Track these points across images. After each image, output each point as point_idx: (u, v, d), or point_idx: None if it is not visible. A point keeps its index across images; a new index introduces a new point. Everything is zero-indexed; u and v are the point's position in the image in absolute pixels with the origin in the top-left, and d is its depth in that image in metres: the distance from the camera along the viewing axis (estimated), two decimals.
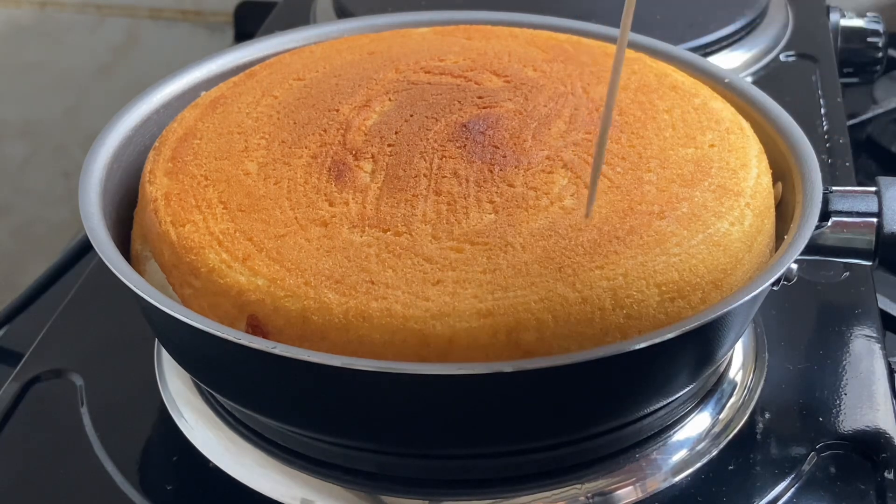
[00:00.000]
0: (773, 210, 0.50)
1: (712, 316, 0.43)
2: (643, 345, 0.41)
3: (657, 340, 0.41)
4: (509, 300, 0.43)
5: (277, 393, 0.45)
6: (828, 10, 0.88)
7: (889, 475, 0.49)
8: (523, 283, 0.43)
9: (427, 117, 0.51)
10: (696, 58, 0.60)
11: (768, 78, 0.80)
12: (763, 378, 0.54)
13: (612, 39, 0.60)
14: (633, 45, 0.59)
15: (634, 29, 0.61)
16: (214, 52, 0.60)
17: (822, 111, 0.76)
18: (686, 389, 0.49)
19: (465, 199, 0.47)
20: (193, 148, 0.52)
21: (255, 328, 0.44)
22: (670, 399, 0.49)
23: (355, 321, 0.43)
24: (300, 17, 0.88)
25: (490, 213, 0.46)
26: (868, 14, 0.87)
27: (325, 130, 0.51)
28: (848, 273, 0.60)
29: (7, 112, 1.22)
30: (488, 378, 0.41)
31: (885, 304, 0.63)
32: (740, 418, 0.52)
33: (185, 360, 0.49)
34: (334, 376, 0.42)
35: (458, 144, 0.49)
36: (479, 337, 0.42)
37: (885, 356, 0.55)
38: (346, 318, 0.43)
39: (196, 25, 1.15)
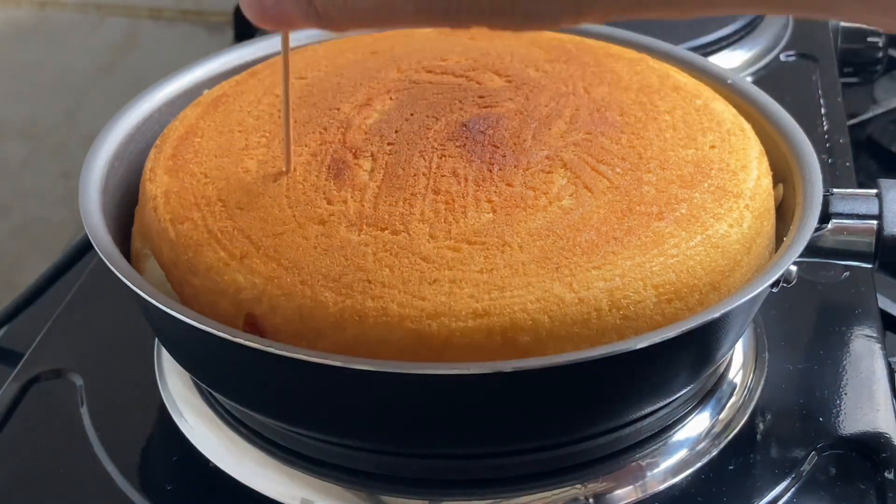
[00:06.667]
0: (772, 212, 0.50)
1: (709, 318, 0.43)
2: (639, 346, 0.41)
3: (653, 342, 0.41)
4: (505, 300, 0.43)
5: (274, 391, 0.45)
6: None
7: (889, 475, 0.49)
8: (520, 282, 0.43)
9: (427, 116, 0.51)
10: (698, 58, 0.60)
11: (768, 78, 0.80)
12: (763, 378, 0.54)
13: (614, 40, 0.60)
14: (636, 46, 0.59)
15: (634, 29, 0.61)
16: (214, 52, 0.60)
17: (823, 111, 0.76)
18: (685, 390, 0.49)
19: (463, 198, 0.47)
20: (194, 146, 0.52)
21: (252, 326, 0.44)
22: (669, 400, 0.49)
23: (351, 320, 0.43)
24: None
25: (488, 213, 0.46)
26: None
27: (325, 129, 0.51)
28: (848, 273, 0.60)
29: (7, 112, 1.22)
30: (485, 378, 0.41)
31: (885, 304, 0.63)
32: (740, 418, 0.52)
33: (184, 358, 0.49)
34: (330, 375, 0.42)
35: (457, 144, 0.49)
36: (474, 337, 0.42)
37: (886, 356, 0.55)
38: (341, 316, 0.43)
39: (196, 25, 1.15)
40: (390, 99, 0.53)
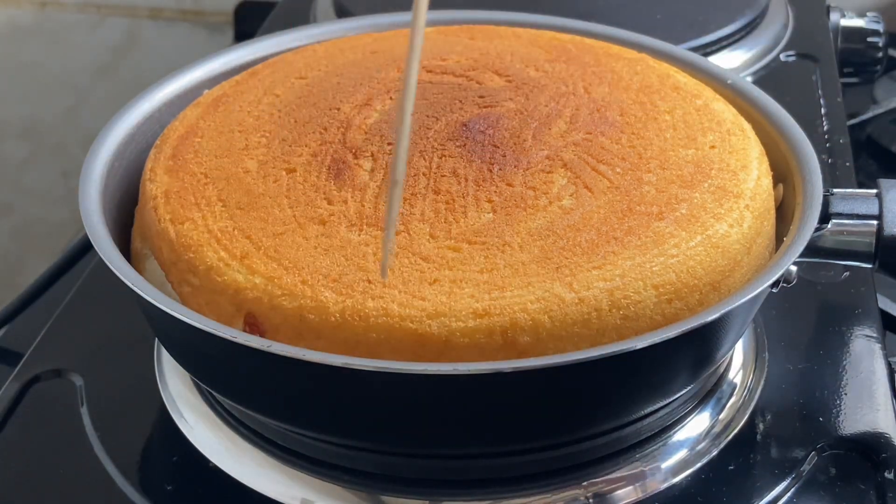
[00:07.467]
0: (772, 212, 0.50)
1: (709, 318, 0.43)
2: (639, 346, 0.41)
3: (653, 342, 0.41)
4: (506, 300, 0.43)
5: (274, 391, 0.45)
6: (828, 9, 0.88)
7: (889, 475, 0.49)
8: (520, 282, 0.43)
9: (427, 116, 0.51)
10: (698, 58, 0.60)
11: (768, 78, 0.80)
12: (763, 378, 0.54)
13: (614, 40, 0.60)
14: (636, 46, 0.60)
15: (634, 29, 0.61)
16: (214, 52, 0.60)
17: (823, 111, 0.76)
18: (685, 390, 0.49)
19: (463, 198, 0.47)
20: (194, 146, 0.52)
21: (251, 326, 0.44)
22: (669, 400, 0.49)
23: (351, 320, 0.43)
24: (300, 17, 0.88)
25: (488, 213, 0.46)
26: (868, 14, 0.87)
27: (325, 129, 0.51)
28: (848, 273, 0.60)
29: (7, 112, 1.22)
30: (485, 378, 0.41)
31: (885, 304, 0.63)
32: (740, 419, 0.52)
33: (184, 358, 0.49)
34: (329, 375, 0.42)
35: (458, 143, 0.49)
36: (475, 337, 0.42)
37: (886, 356, 0.55)
38: (342, 316, 0.43)
39: (196, 25, 1.15)
40: (390, 99, 0.53)
